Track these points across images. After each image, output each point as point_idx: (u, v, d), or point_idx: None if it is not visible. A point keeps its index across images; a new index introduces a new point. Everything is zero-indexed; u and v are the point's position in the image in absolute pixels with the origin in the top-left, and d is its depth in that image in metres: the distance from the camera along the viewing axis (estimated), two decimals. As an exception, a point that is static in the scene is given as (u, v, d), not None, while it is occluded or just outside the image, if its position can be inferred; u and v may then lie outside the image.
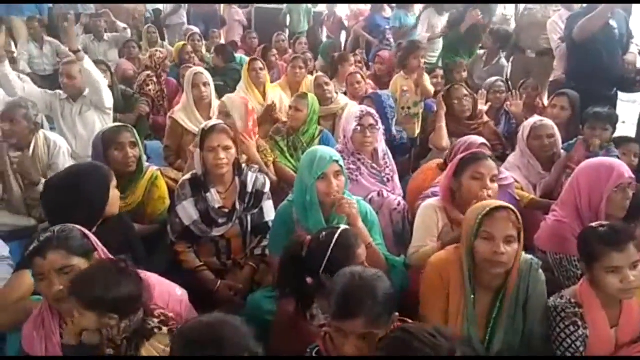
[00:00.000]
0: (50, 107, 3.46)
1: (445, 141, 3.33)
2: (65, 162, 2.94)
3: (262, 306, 2.12)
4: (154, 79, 4.54)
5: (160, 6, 7.59)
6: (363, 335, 1.37)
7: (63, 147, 2.97)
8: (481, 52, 5.30)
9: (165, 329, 1.53)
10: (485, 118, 3.66)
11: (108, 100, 3.48)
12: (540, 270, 1.83)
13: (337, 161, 2.17)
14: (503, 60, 5.09)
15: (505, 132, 3.80)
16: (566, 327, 1.68)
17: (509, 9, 5.62)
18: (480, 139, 2.75)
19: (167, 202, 2.60)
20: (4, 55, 3.40)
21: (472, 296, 1.73)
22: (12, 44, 5.80)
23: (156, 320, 1.54)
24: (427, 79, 4.15)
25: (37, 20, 5.69)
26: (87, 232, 1.62)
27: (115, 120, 3.62)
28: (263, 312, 2.08)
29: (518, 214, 1.72)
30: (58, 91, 3.50)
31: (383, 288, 1.42)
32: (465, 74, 4.60)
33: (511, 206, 1.74)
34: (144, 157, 2.62)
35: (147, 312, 1.56)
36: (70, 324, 1.50)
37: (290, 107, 3.43)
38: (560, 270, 2.13)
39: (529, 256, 1.85)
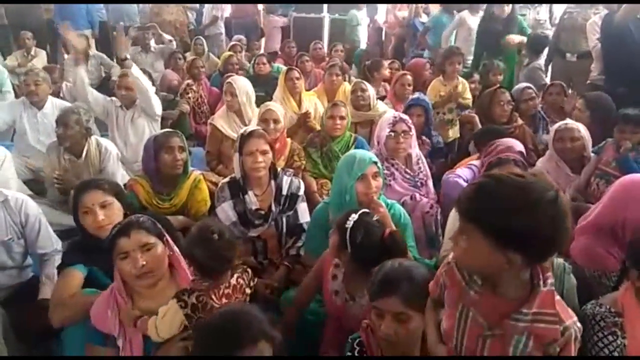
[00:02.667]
0: (107, 113, 3.69)
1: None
2: (115, 166, 3.15)
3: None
4: (194, 87, 4.75)
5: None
6: (398, 316, 1.44)
7: (113, 152, 3.17)
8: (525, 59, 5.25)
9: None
10: (520, 121, 3.65)
11: (157, 106, 3.67)
12: (572, 274, 1.85)
13: (375, 163, 2.25)
14: (538, 63, 5.00)
15: (540, 139, 3.76)
16: (604, 336, 1.65)
17: (542, 14, 5.54)
18: (520, 146, 2.70)
19: (209, 203, 2.74)
20: (81, 59, 3.65)
21: None
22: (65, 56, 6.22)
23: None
24: (466, 87, 4.16)
25: (85, 36, 5.99)
26: (154, 220, 1.77)
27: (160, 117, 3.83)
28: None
29: None
30: (113, 98, 3.73)
31: (420, 273, 1.49)
32: (501, 77, 4.57)
33: None
34: (189, 164, 2.76)
35: None
36: (152, 324, 1.62)
37: (331, 117, 3.35)
38: (598, 285, 2.09)
39: (561, 260, 1.86)
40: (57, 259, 2.23)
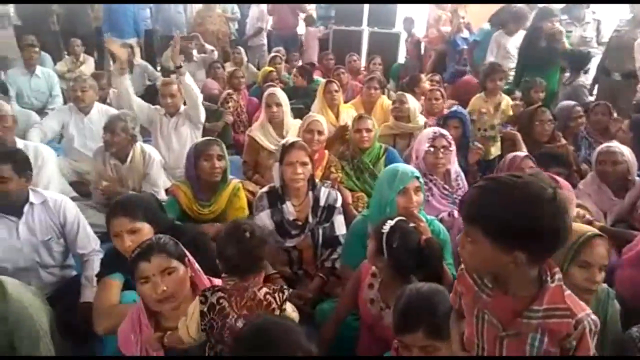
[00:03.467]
0: (151, 121, 3.80)
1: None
2: (157, 172, 3.24)
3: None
4: (234, 96, 4.84)
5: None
6: (425, 348, 1.43)
7: (156, 159, 3.26)
8: (567, 74, 5.14)
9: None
10: (563, 140, 3.57)
11: (202, 114, 3.79)
12: (615, 300, 1.81)
13: (417, 177, 2.24)
14: (582, 81, 4.89)
15: (584, 159, 3.69)
16: None
17: (588, 31, 5.42)
18: (523, 153, 2.72)
19: (247, 212, 2.78)
20: (126, 68, 3.79)
21: None
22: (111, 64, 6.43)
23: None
24: (508, 103, 4.11)
25: (130, 45, 6.19)
26: (176, 240, 1.76)
27: (204, 129, 3.94)
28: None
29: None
30: (157, 106, 3.84)
31: (443, 301, 1.46)
32: (542, 94, 4.48)
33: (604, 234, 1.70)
34: (228, 172, 2.81)
35: None
36: (182, 325, 1.64)
37: (358, 130, 3.35)
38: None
39: (605, 285, 1.82)
40: (97, 260, 2.28)
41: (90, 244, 2.44)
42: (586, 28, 5.41)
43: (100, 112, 3.94)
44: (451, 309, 1.41)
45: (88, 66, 5.98)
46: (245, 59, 6.50)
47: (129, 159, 3.18)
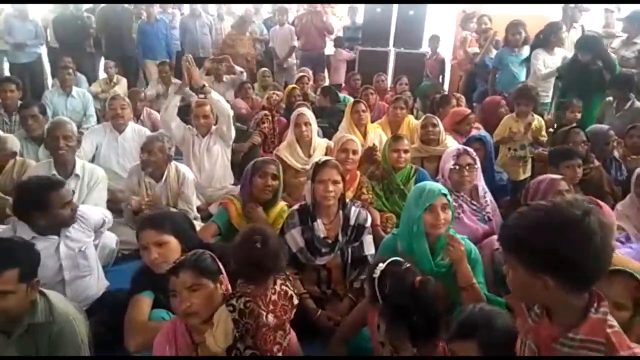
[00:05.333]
0: (184, 141, 3.89)
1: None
2: (191, 192, 3.30)
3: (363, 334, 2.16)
4: (270, 117, 4.91)
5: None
6: None
7: (190, 178, 3.32)
8: (609, 98, 4.98)
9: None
10: (596, 162, 3.51)
11: (233, 131, 3.88)
12: None
13: (445, 195, 2.24)
14: (638, 104, 4.61)
15: (615, 181, 3.61)
16: None
17: (630, 51, 5.32)
18: (557, 175, 2.68)
19: None
20: (182, 89, 3.93)
21: None
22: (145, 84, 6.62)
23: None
24: (542, 124, 4.06)
25: (167, 64, 6.38)
26: (215, 257, 1.81)
27: (231, 150, 4.01)
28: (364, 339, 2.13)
29: None
30: (189, 126, 3.93)
31: (501, 320, 1.48)
32: (579, 115, 4.41)
33: (635, 273, 1.63)
34: (279, 193, 2.88)
35: None
36: (209, 336, 1.68)
37: (395, 150, 3.32)
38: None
39: None
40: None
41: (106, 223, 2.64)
42: (629, 48, 5.30)
43: (134, 131, 4.05)
44: (509, 330, 1.44)
45: (121, 87, 6.17)
46: (271, 79, 6.60)
47: (163, 178, 3.24)
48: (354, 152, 3.29)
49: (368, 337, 2.06)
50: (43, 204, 2.23)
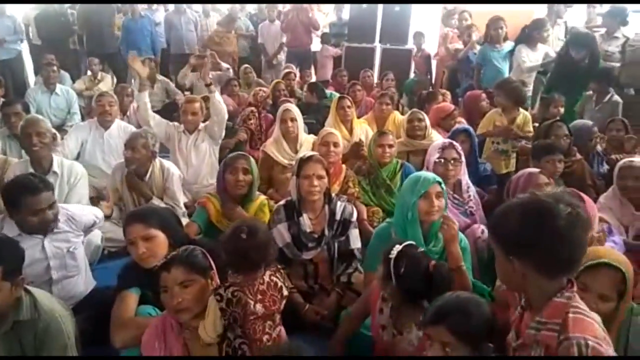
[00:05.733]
0: (169, 137, 3.87)
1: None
2: (177, 188, 3.29)
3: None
4: (256, 114, 4.90)
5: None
6: (446, 347, 1.45)
7: (175, 174, 3.31)
8: (589, 92, 5.07)
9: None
10: (578, 156, 3.56)
11: (223, 130, 3.89)
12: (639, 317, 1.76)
13: (439, 183, 2.27)
14: (616, 97, 4.80)
15: (597, 174, 3.68)
16: None
17: (612, 47, 5.41)
18: (536, 169, 2.75)
19: None
20: (145, 85, 3.88)
21: None
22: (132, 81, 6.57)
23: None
24: (528, 119, 4.12)
25: (152, 60, 6.34)
26: (205, 252, 1.82)
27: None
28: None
29: (628, 273, 1.64)
30: (176, 123, 3.91)
31: (478, 308, 1.49)
32: (562, 109, 4.48)
33: (622, 265, 1.65)
34: (255, 186, 2.86)
35: None
36: (201, 326, 1.69)
37: (380, 145, 3.37)
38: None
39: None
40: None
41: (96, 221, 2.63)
42: (611, 43, 5.40)
43: (119, 128, 4.03)
44: (486, 318, 1.47)
45: (105, 84, 6.12)
46: (254, 76, 6.60)
47: (148, 175, 3.22)
48: (335, 144, 3.30)
49: (365, 325, 2.10)
50: (17, 207, 2.23)
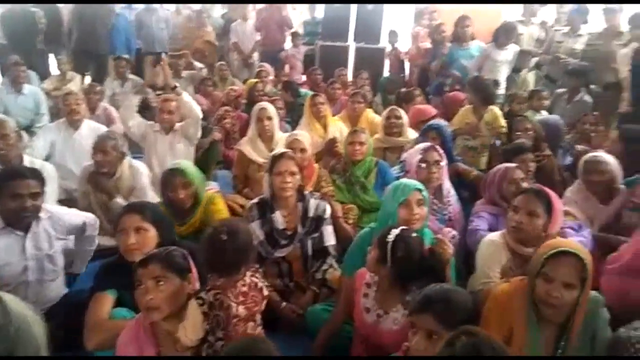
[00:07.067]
0: (144, 137, 3.80)
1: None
2: (146, 185, 3.24)
3: (322, 317, 2.24)
4: (231, 113, 4.87)
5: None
6: (431, 334, 1.49)
7: (144, 173, 3.27)
8: (561, 90, 5.25)
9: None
10: (547, 151, 3.64)
11: (200, 131, 3.84)
12: (605, 308, 1.81)
13: (420, 190, 2.26)
14: (587, 97, 4.94)
15: (563, 166, 3.77)
16: None
17: (578, 43, 5.58)
18: (512, 164, 2.82)
19: (227, 213, 2.79)
20: (138, 88, 3.85)
21: (538, 329, 1.73)
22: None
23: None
24: (497, 115, 4.19)
25: (123, 59, 6.23)
26: (187, 254, 1.79)
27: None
28: (323, 322, 2.21)
29: (587, 261, 1.67)
30: (151, 122, 3.84)
31: (461, 298, 1.56)
32: (525, 105, 4.59)
33: (581, 253, 1.67)
34: (202, 191, 2.78)
35: None
36: (181, 329, 1.67)
37: (351, 143, 3.40)
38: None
39: (594, 292, 1.81)
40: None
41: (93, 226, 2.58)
42: (576, 40, 5.57)
43: (90, 129, 3.95)
44: (468, 308, 1.55)
45: (75, 83, 5.97)
46: (230, 74, 6.56)
47: (117, 175, 3.17)
48: (302, 150, 3.22)
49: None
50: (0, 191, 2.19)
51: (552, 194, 2.28)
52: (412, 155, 2.94)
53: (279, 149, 2.97)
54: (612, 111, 4.71)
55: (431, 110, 4.57)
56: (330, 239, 2.63)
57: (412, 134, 3.99)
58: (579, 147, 3.85)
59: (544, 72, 5.94)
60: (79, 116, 3.92)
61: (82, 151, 3.83)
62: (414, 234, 1.92)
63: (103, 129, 3.80)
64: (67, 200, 3.59)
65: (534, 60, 6.03)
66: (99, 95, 4.91)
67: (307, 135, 3.46)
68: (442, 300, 1.52)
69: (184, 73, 6.29)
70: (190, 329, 1.67)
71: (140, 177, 3.23)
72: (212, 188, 2.93)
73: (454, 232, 2.67)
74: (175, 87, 3.74)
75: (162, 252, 1.74)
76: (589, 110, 4.83)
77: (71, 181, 3.69)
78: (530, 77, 5.96)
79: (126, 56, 6.54)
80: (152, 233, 2.05)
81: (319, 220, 2.60)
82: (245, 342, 1.48)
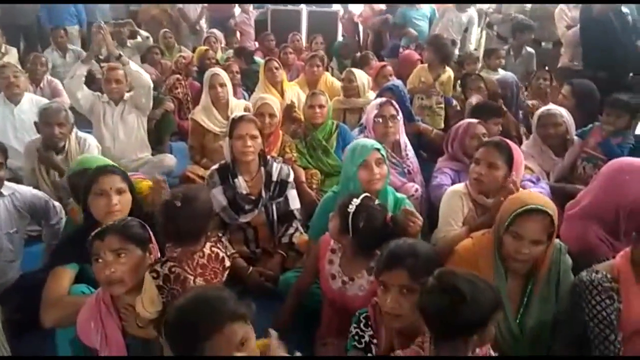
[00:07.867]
0: (92, 110, 3.57)
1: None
2: (97, 157, 3.09)
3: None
4: (182, 82, 4.69)
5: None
6: (403, 289, 1.49)
7: (93, 144, 3.12)
8: (506, 46, 5.37)
9: None
10: (504, 108, 3.70)
11: (151, 101, 3.65)
12: (567, 255, 1.84)
13: (378, 149, 2.23)
14: (530, 50, 5.17)
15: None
16: (602, 300, 1.66)
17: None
18: (475, 120, 2.85)
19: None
20: (90, 57, 3.60)
21: (505, 281, 1.76)
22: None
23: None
24: (450, 76, 4.21)
25: (61, 29, 5.88)
26: (145, 224, 1.70)
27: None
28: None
29: (555, 216, 1.69)
30: (98, 93, 3.63)
31: (424, 249, 1.58)
32: (478, 65, 4.65)
33: (549, 210, 1.68)
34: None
35: None
36: (138, 301, 1.58)
37: (311, 106, 3.37)
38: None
39: (556, 240, 1.84)
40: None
41: (58, 214, 2.47)
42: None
43: (31, 103, 3.71)
44: (432, 258, 1.57)
45: (12, 57, 5.59)
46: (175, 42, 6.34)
47: (65, 150, 3.00)
48: (271, 115, 3.15)
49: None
50: None
51: (513, 146, 2.31)
52: (369, 111, 2.95)
53: (240, 112, 2.86)
54: (555, 66, 4.87)
55: (377, 64, 4.66)
56: (295, 203, 2.60)
57: (372, 95, 3.97)
58: (531, 102, 3.94)
59: (494, 31, 6.04)
60: (18, 90, 3.67)
61: (24, 127, 3.62)
62: (376, 202, 1.89)
63: (45, 101, 3.56)
64: (13, 180, 3.39)
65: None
66: (45, 67, 4.64)
67: (276, 100, 3.38)
68: (411, 255, 1.52)
69: (129, 42, 5.99)
70: (147, 302, 1.58)
71: (89, 149, 3.07)
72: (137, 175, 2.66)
73: (417, 186, 2.72)
74: (120, 56, 3.52)
75: (120, 223, 1.64)
76: (534, 62, 5.06)
77: (15, 159, 3.46)
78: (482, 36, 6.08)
79: (76, 27, 6.17)
80: (128, 196, 1.97)
81: (282, 185, 2.56)
82: (193, 294, 1.35)
